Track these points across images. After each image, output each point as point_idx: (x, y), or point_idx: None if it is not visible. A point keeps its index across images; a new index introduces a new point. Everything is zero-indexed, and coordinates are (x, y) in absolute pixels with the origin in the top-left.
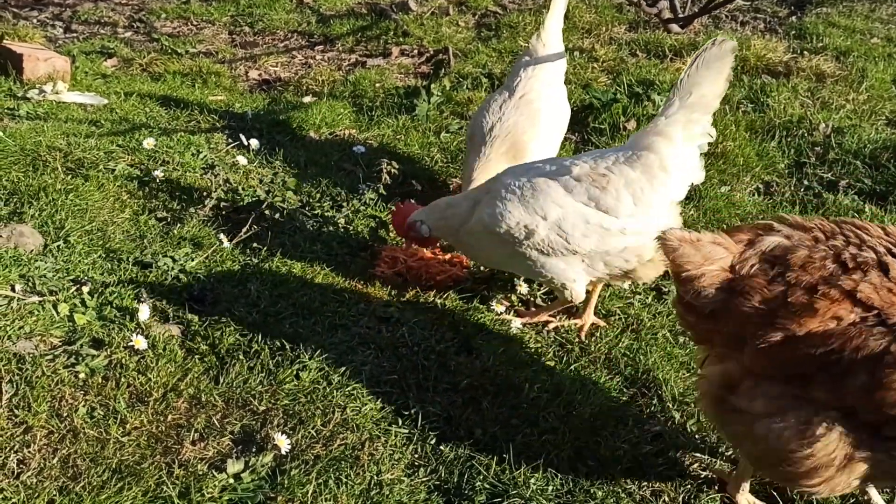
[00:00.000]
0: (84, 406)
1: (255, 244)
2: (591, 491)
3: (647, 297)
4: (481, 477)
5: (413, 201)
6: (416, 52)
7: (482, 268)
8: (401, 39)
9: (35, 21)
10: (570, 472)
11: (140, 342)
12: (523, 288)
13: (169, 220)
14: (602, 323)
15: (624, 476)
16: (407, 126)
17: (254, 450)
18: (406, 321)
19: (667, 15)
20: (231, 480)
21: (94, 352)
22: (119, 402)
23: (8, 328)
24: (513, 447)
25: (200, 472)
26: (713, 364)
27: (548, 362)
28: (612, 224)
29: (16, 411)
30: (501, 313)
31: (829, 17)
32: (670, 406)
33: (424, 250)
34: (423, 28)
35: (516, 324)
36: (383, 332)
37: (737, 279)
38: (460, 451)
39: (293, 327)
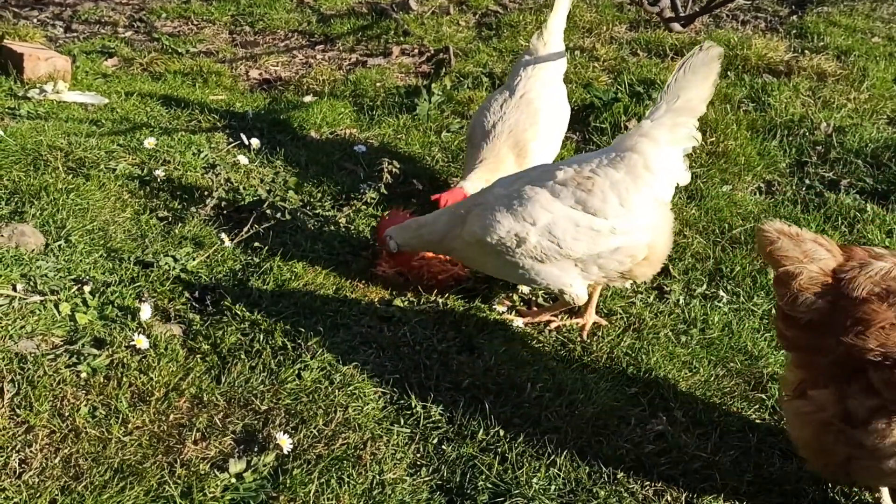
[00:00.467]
0: (86, 405)
1: (256, 244)
2: (594, 490)
3: (649, 297)
4: (484, 476)
5: (405, 211)
6: (416, 51)
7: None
8: (401, 39)
9: (35, 21)
10: (572, 472)
11: (142, 342)
12: (524, 287)
13: (170, 219)
14: (604, 322)
15: (626, 475)
16: (408, 125)
17: (256, 449)
18: (408, 320)
19: (668, 14)
20: (233, 480)
21: (95, 351)
22: (121, 402)
23: (9, 328)
24: (515, 446)
25: (202, 472)
26: (819, 388)
27: (550, 362)
28: (602, 225)
29: (17, 411)
30: (503, 313)
31: (829, 16)
32: (673, 405)
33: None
34: (424, 27)
35: (518, 323)
36: (385, 332)
37: (847, 299)
38: (462, 450)
39: (295, 327)
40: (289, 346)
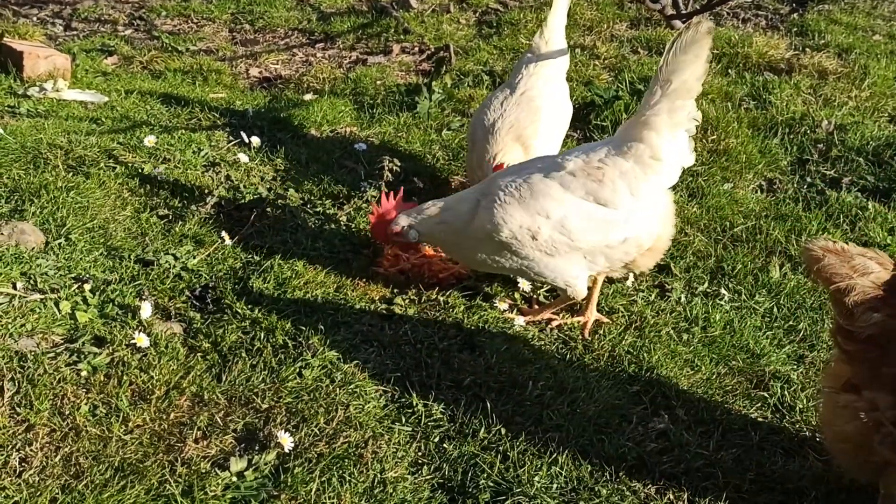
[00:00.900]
0: (86, 404)
1: (256, 242)
2: (596, 489)
3: (651, 295)
4: (485, 475)
5: (390, 198)
6: (416, 49)
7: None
8: (402, 37)
9: (35, 19)
10: (574, 470)
11: (142, 340)
12: (526, 286)
13: (170, 217)
14: (605, 319)
15: (628, 474)
16: (408, 123)
17: (257, 448)
18: (409, 318)
19: (669, 11)
20: (234, 478)
21: (95, 350)
22: (121, 400)
23: (9, 326)
24: (517, 445)
25: (203, 471)
26: (874, 390)
27: (551, 360)
28: (613, 216)
29: (18, 409)
30: (505, 311)
31: (830, 13)
32: (674, 404)
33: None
34: (424, 25)
35: (519, 321)
36: (386, 330)
37: None
38: (464, 448)
39: (296, 325)
40: (290, 345)
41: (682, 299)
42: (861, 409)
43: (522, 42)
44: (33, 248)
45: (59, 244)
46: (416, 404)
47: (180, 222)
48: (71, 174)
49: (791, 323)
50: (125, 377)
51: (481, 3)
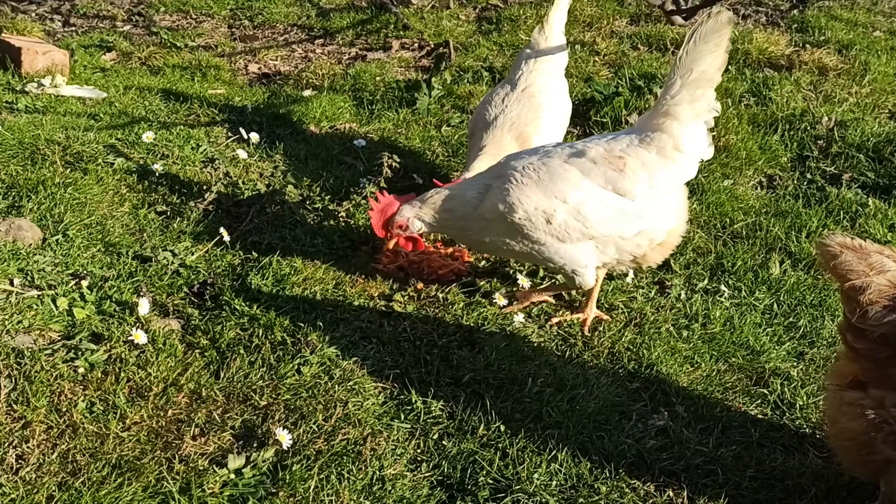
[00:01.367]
0: (83, 401)
1: (255, 238)
2: (595, 486)
3: (650, 291)
4: (484, 472)
5: (387, 193)
6: (416, 45)
7: (483, 262)
8: (401, 33)
9: (33, 14)
10: (573, 467)
11: (140, 336)
12: (525, 282)
13: (168, 213)
14: (605, 316)
15: (628, 471)
16: (408, 120)
17: (255, 445)
18: (408, 315)
19: (669, 7)
20: (232, 475)
21: (93, 346)
22: (119, 397)
23: (6, 322)
24: (516, 442)
25: (201, 468)
26: (882, 388)
27: (551, 357)
28: (630, 207)
29: (14, 406)
30: (504, 307)
31: (830, 10)
32: (674, 400)
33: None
34: (424, 21)
35: (519, 318)
36: (385, 327)
37: None
38: (463, 445)
39: (294, 321)
40: (288, 342)
41: (682, 296)
42: (867, 406)
43: (522, 38)
44: (30, 245)
45: (57, 240)
46: (416, 401)
47: (178, 218)
48: (69, 170)
49: (791, 320)
50: (122, 374)
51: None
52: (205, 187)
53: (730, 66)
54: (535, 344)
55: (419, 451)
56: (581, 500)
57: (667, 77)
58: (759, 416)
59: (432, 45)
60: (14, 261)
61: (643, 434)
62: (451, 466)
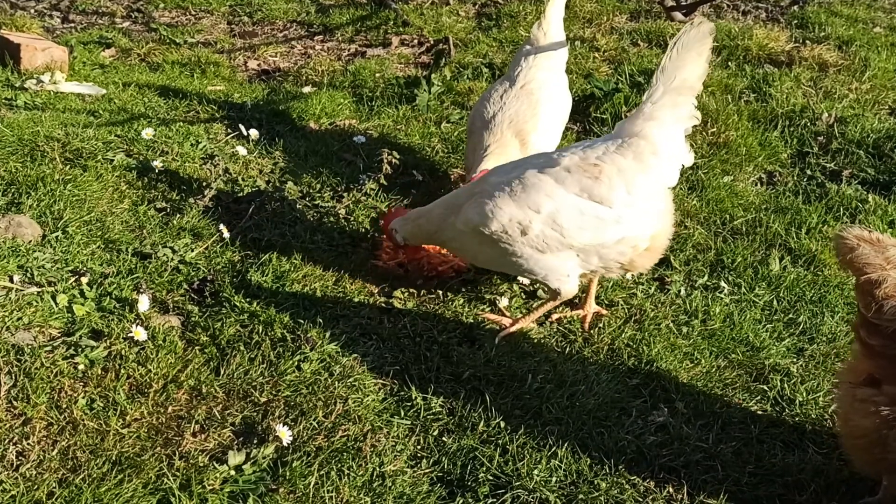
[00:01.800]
0: (83, 397)
1: (255, 235)
2: (595, 482)
3: (650, 288)
4: (484, 468)
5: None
6: (416, 41)
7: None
8: (401, 29)
9: (32, 11)
10: (573, 464)
11: (140, 333)
12: (524, 279)
13: (168, 210)
14: (604, 312)
15: (628, 467)
16: (407, 116)
17: (255, 441)
18: (408, 312)
19: (669, 2)
20: (232, 472)
21: (93, 343)
22: (119, 394)
23: (6, 319)
24: (516, 438)
25: (201, 464)
26: None
27: (551, 353)
28: (607, 214)
29: (15, 403)
30: (504, 307)
31: (831, 6)
32: (674, 397)
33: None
34: (423, 18)
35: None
36: (385, 323)
37: None
38: (463, 442)
39: (294, 318)
40: (288, 338)
41: (682, 292)
42: (881, 403)
43: (522, 34)
44: (30, 242)
45: (57, 237)
46: (415, 398)
47: (178, 215)
48: (68, 167)
49: (791, 316)
50: (123, 371)
51: None
52: (204, 184)
53: (730, 63)
54: (535, 340)
55: (419, 447)
56: (581, 496)
57: (649, 82)
58: (759, 413)
59: (432, 42)
60: (14, 257)
61: (643, 430)
62: (451, 463)
